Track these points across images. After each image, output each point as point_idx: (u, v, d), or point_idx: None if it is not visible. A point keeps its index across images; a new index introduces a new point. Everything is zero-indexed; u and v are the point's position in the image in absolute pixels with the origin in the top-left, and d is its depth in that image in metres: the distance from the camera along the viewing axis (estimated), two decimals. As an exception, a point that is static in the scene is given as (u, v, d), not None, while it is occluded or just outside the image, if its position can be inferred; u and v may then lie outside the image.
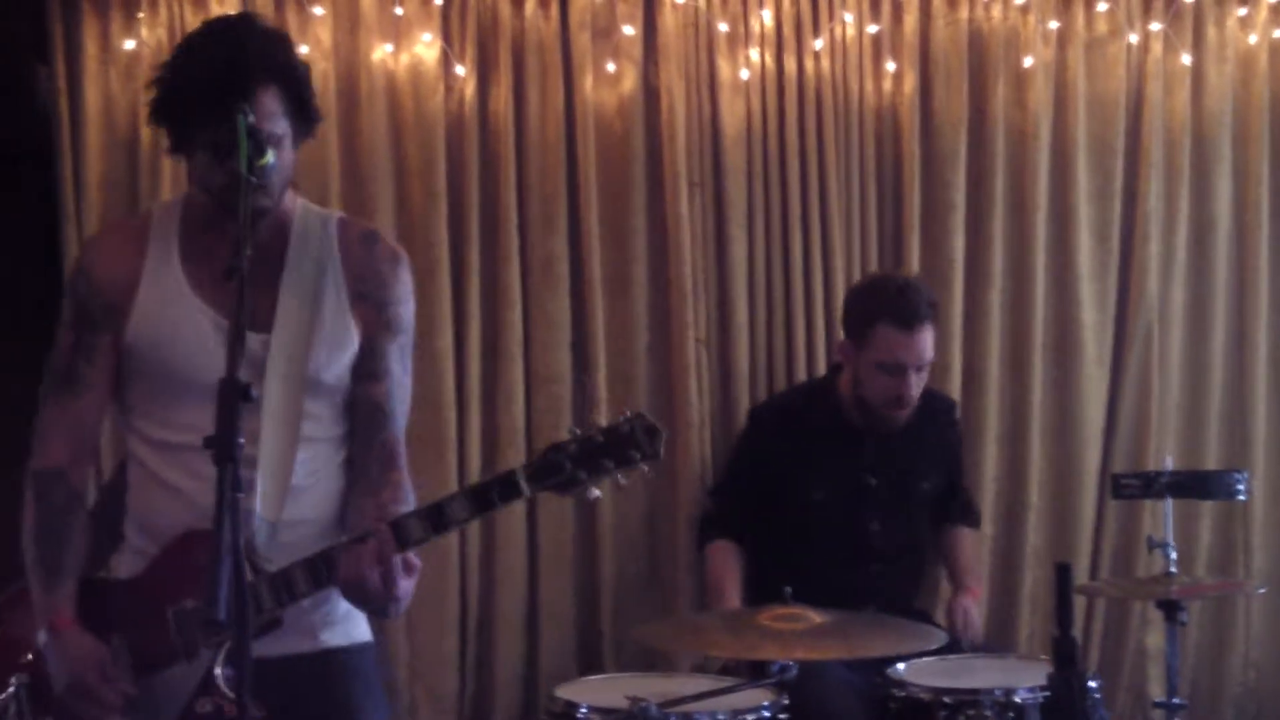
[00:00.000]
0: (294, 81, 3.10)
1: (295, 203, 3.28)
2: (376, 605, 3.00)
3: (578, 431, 2.90)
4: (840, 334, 5.22)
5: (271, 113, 3.03)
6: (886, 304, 4.86)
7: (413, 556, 2.96)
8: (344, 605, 3.16)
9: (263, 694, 2.83)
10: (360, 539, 2.93)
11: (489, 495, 2.91)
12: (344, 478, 3.27)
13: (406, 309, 3.29)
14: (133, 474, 3.26)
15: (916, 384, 4.88)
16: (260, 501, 3.05)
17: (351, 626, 3.30)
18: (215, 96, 2.97)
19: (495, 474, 2.96)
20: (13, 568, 3.22)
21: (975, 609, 5.01)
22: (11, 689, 3.06)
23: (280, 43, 3.14)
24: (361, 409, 3.24)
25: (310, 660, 3.21)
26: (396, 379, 3.26)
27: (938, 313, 4.97)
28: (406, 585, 2.95)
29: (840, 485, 5.00)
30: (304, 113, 3.13)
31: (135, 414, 3.24)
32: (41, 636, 3.11)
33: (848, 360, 4.97)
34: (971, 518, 5.33)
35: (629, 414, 2.90)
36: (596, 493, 2.92)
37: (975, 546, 5.27)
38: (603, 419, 2.91)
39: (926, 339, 4.85)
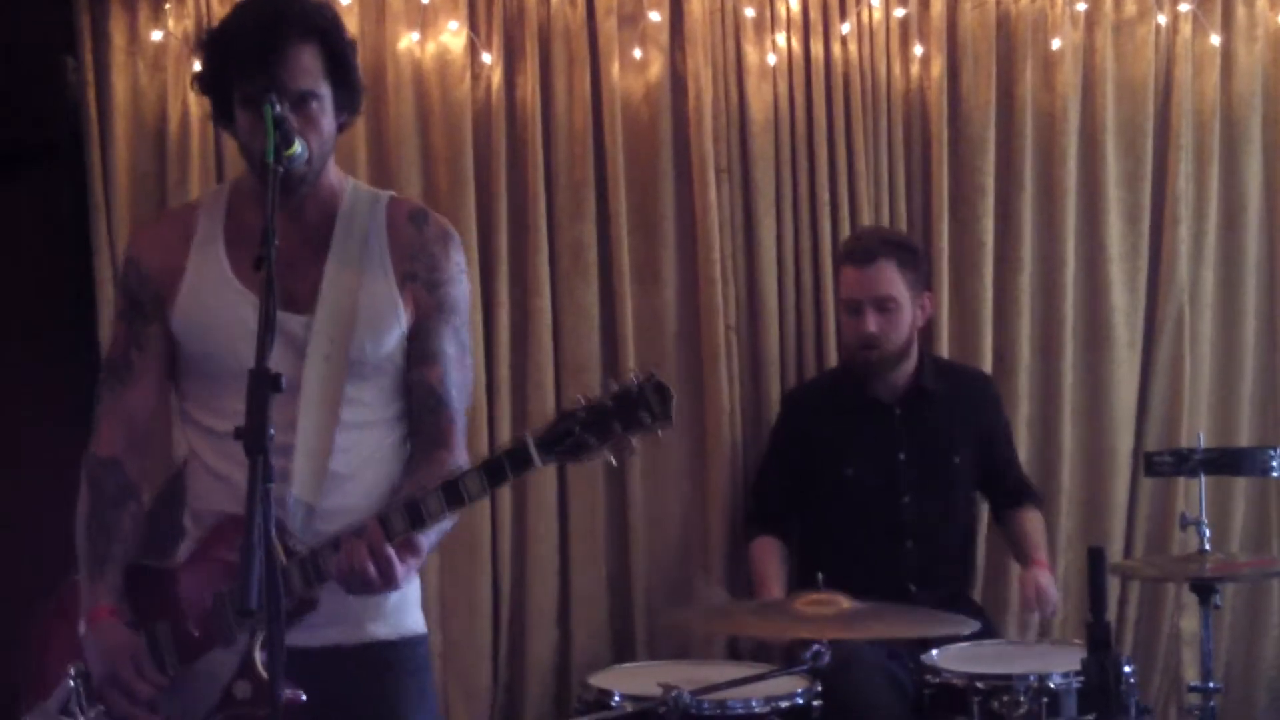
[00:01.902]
0: (335, 44, 3.09)
1: (345, 182, 3.27)
2: (375, 592, 2.98)
3: (588, 398, 2.86)
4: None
5: (309, 70, 3.02)
6: (845, 247, 5.12)
7: (416, 538, 2.96)
8: (394, 596, 3.14)
9: (306, 685, 2.85)
10: (354, 533, 2.93)
11: (501, 467, 2.87)
12: (398, 459, 3.25)
13: (459, 288, 3.27)
14: (189, 463, 3.28)
15: (879, 323, 4.94)
16: (296, 484, 3.05)
17: (401, 619, 3.28)
18: (253, 48, 2.99)
19: (506, 445, 2.92)
20: (72, 559, 3.24)
21: (1048, 579, 4.94)
22: (70, 680, 3.07)
23: (323, 7, 3.13)
24: (416, 393, 3.23)
25: (354, 652, 3.20)
26: (453, 360, 3.24)
27: (905, 256, 5.05)
28: (406, 569, 2.96)
29: (871, 461, 5.02)
30: (345, 80, 3.11)
31: (188, 401, 3.26)
32: (82, 627, 3.11)
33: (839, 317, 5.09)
34: (1032, 495, 5.28)
35: (639, 375, 2.84)
36: (611, 458, 2.86)
37: (1038, 522, 5.21)
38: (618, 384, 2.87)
39: (880, 274, 4.95)
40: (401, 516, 2.92)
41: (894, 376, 5.03)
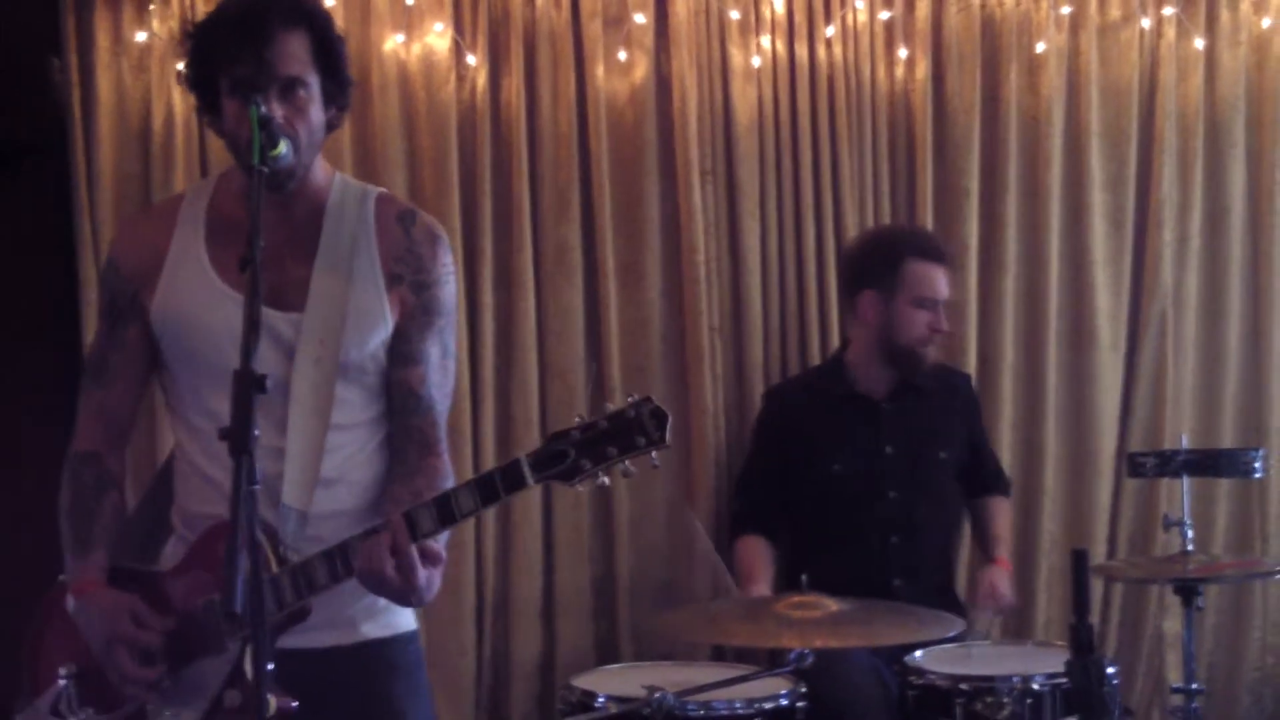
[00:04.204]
0: (323, 32, 3.06)
1: (333, 178, 3.24)
2: (396, 596, 2.94)
3: (584, 418, 2.85)
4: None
5: (296, 57, 3.00)
6: (911, 242, 5.07)
7: (434, 545, 2.91)
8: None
9: (301, 687, 2.83)
10: (375, 530, 2.91)
11: (494, 485, 2.86)
12: (381, 461, 3.23)
13: (445, 290, 3.24)
14: (176, 460, 3.26)
15: (945, 319, 5.02)
16: (287, 489, 3.04)
17: (393, 617, 3.27)
18: (241, 33, 2.97)
19: (500, 464, 2.90)
20: (58, 565, 3.23)
21: (1004, 579, 4.98)
22: (61, 683, 3.06)
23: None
24: (397, 394, 3.20)
25: (349, 653, 3.19)
26: (435, 363, 3.22)
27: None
28: (428, 574, 2.90)
29: (858, 456, 5.02)
30: (334, 71, 3.09)
31: (173, 399, 3.24)
32: (71, 603, 3.10)
33: (873, 312, 5.02)
34: (1002, 485, 5.32)
35: (635, 398, 2.83)
36: (605, 480, 2.86)
37: (1006, 515, 5.27)
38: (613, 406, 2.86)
39: (947, 275, 5.05)
40: (431, 515, 2.90)
41: (888, 372, 5.04)
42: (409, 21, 5.20)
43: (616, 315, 5.33)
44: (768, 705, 4.03)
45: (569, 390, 5.26)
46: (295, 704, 2.85)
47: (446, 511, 2.88)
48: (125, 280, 3.21)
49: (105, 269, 3.29)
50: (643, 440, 2.80)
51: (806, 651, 3.85)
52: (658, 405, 2.80)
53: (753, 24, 5.44)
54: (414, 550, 2.87)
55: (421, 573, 2.89)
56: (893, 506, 5.00)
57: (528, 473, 2.83)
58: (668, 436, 2.81)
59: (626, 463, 2.82)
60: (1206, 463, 5.05)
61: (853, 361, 5.09)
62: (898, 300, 4.95)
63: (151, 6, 5.04)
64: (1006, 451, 5.57)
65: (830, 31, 5.48)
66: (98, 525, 3.16)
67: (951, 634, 3.99)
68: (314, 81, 3.05)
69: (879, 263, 5.01)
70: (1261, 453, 5.01)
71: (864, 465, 5.01)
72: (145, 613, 3.04)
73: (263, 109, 2.86)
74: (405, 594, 2.91)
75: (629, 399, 2.83)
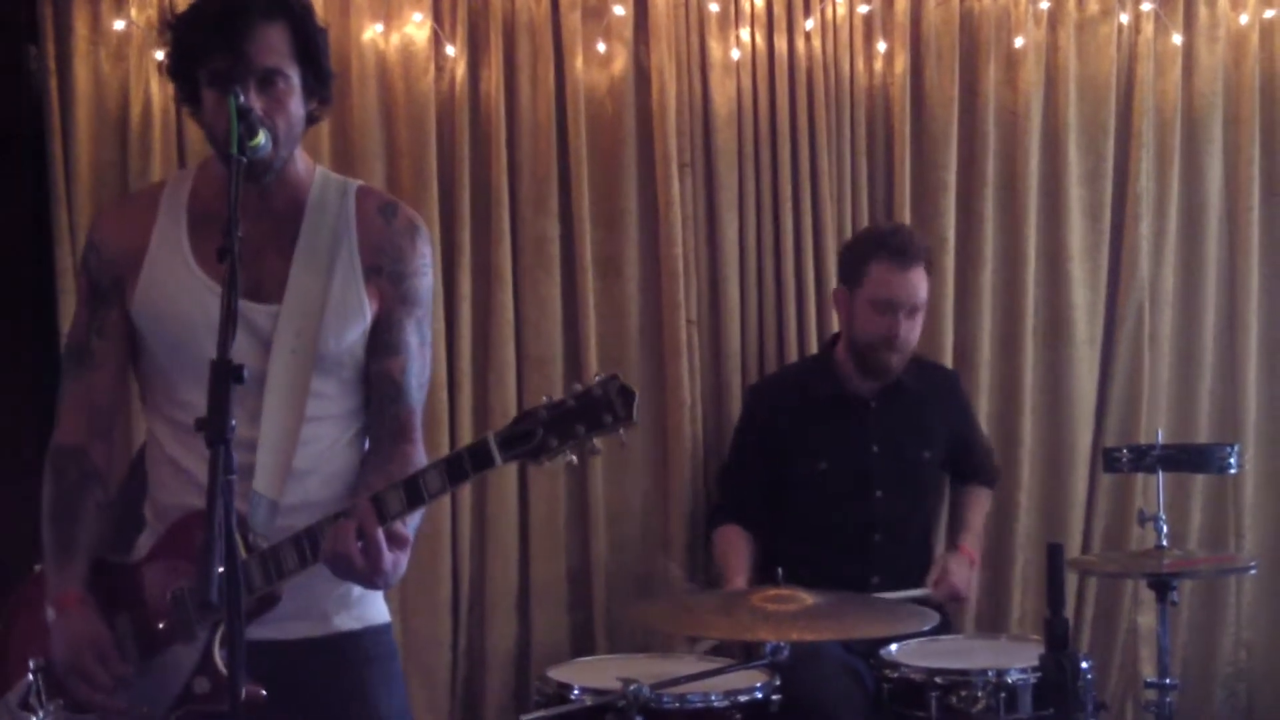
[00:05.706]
0: (303, 25, 3.05)
1: (314, 171, 3.24)
2: (362, 579, 2.93)
3: (551, 398, 2.85)
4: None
5: (275, 49, 2.99)
6: (880, 242, 4.96)
7: (400, 529, 2.91)
8: (359, 587, 3.11)
9: (274, 678, 2.83)
10: (343, 514, 2.91)
11: (461, 464, 2.85)
12: (354, 454, 3.23)
13: (424, 281, 3.25)
14: (149, 452, 3.25)
15: (907, 329, 4.91)
16: (259, 477, 3.03)
17: (366, 609, 3.27)
18: (220, 24, 2.96)
19: (468, 443, 2.89)
20: (35, 551, 3.21)
21: (962, 567, 4.96)
22: (30, 675, 3.05)
23: None
24: (376, 384, 3.20)
25: (321, 644, 3.19)
26: (413, 353, 3.22)
27: (931, 261, 5.09)
28: (394, 558, 2.89)
29: (844, 454, 5.01)
30: (314, 64, 3.08)
31: (148, 389, 3.23)
32: (50, 613, 3.09)
33: (842, 307, 5.02)
34: (986, 474, 5.30)
35: (602, 376, 2.83)
36: (573, 458, 2.84)
37: (980, 504, 5.26)
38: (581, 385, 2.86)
39: (919, 279, 4.92)
40: (399, 497, 2.89)
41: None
42: (388, 11, 5.20)
43: (594, 307, 5.34)
44: (743, 698, 4.03)
45: (547, 381, 5.25)
46: (264, 692, 2.85)
47: (415, 492, 2.87)
48: (108, 264, 3.19)
49: (86, 253, 3.26)
50: (610, 418, 2.79)
51: (781, 644, 3.86)
52: (625, 383, 2.80)
53: (732, 17, 5.44)
54: (380, 534, 2.87)
55: (388, 556, 2.89)
56: (878, 505, 5.00)
57: (495, 451, 2.82)
58: (635, 414, 2.80)
59: (594, 441, 2.81)
60: (1182, 458, 5.07)
61: (841, 359, 5.07)
62: (858, 298, 4.92)
63: (130, -5, 5.04)
64: (982, 445, 5.58)
65: (809, 25, 5.48)
66: (81, 530, 3.14)
67: (926, 628, 3.99)
68: (293, 74, 3.04)
69: (850, 259, 5.01)
70: (1236, 448, 5.02)
71: (851, 464, 5.00)
72: (111, 654, 3.03)
73: (241, 99, 2.86)
74: (371, 577, 2.91)
75: (596, 377, 2.83)
